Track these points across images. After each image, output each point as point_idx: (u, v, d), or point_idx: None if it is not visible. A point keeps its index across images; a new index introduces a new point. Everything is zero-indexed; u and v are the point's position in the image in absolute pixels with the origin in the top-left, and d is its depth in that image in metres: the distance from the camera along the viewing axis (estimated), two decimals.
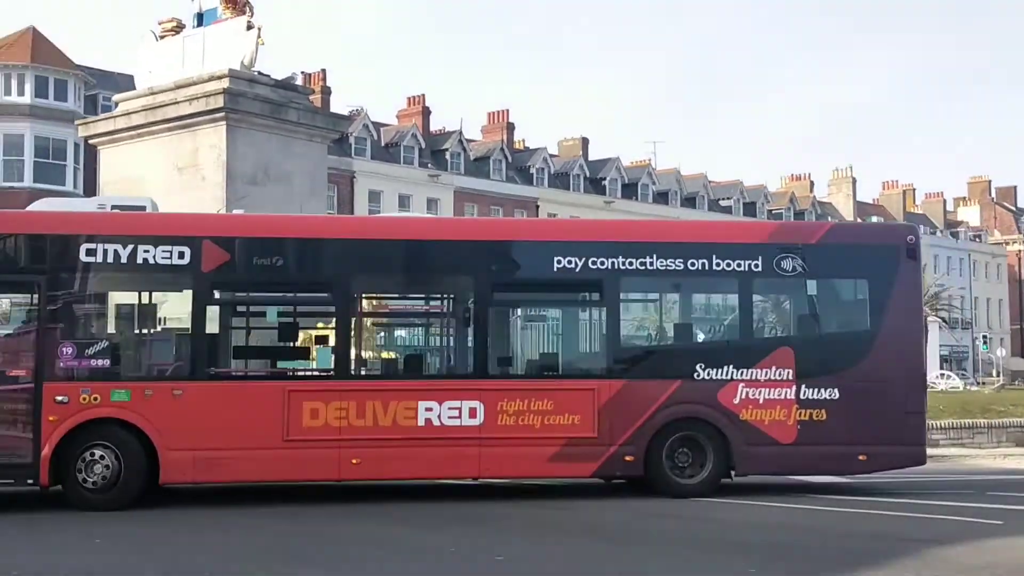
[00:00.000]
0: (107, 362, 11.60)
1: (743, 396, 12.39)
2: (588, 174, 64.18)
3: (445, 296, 12.81)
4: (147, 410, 11.49)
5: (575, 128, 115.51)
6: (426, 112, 58.58)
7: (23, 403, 11.28)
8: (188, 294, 11.72)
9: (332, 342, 12.15)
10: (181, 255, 11.75)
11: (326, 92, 52.69)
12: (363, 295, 12.37)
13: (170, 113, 20.28)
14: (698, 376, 12.38)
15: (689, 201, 67.44)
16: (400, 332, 13.28)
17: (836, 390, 12.38)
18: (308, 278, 12.28)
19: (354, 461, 11.73)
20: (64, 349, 11.48)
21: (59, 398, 11.39)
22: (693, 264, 12.49)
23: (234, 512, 11.31)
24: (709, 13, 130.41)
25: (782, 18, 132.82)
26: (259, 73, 20.72)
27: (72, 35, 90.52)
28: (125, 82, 43.70)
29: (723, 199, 69.94)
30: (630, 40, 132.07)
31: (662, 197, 67.26)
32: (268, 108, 20.31)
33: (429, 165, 56.20)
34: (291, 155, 20.71)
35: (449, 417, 11.89)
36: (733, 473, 12.49)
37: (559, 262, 12.28)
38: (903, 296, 12.68)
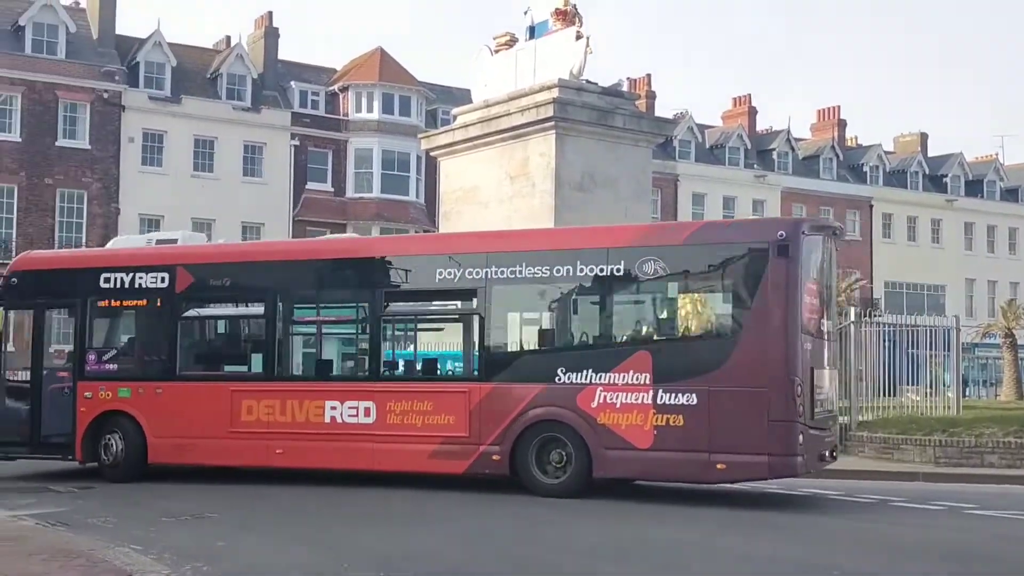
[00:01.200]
0: (115, 366, 14.79)
1: (601, 400, 12.46)
2: (927, 171, 60.15)
3: (349, 307, 14.32)
4: (140, 405, 14.50)
5: (911, 124, 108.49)
6: (752, 112, 57.44)
7: (68, 398, 14.73)
8: (167, 309, 14.62)
9: (263, 349, 14.20)
10: (163, 279, 14.71)
11: (651, 96, 53.10)
12: (285, 308, 14.24)
13: (503, 124, 21.17)
14: (559, 380, 12.63)
15: None
16: (315, 340, 14.51)
17: (694, 395, 12.04)
18: (245, 295, 14.81)
19: (278, 451, 13.73)
20: (89, 356, 14.83)
21: (86, 394, 14.66)
22: (559, 271, 12.90)
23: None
24: None
25: None
26: (587, 81, 21.22)
27: (414, 53, 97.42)
28: (462, 96, 46.40)
29: None
30: (972, 38, 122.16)
31: (1011, 194, 61.65)
32: (595, 115, 20.73)
33: (755, 166, 55.05)
34: (616, 160, 21.01)
35: (349, 415, 13.52)
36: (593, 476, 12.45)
37: (440, 274, 13.38)
38: (771, 298, 11.94)
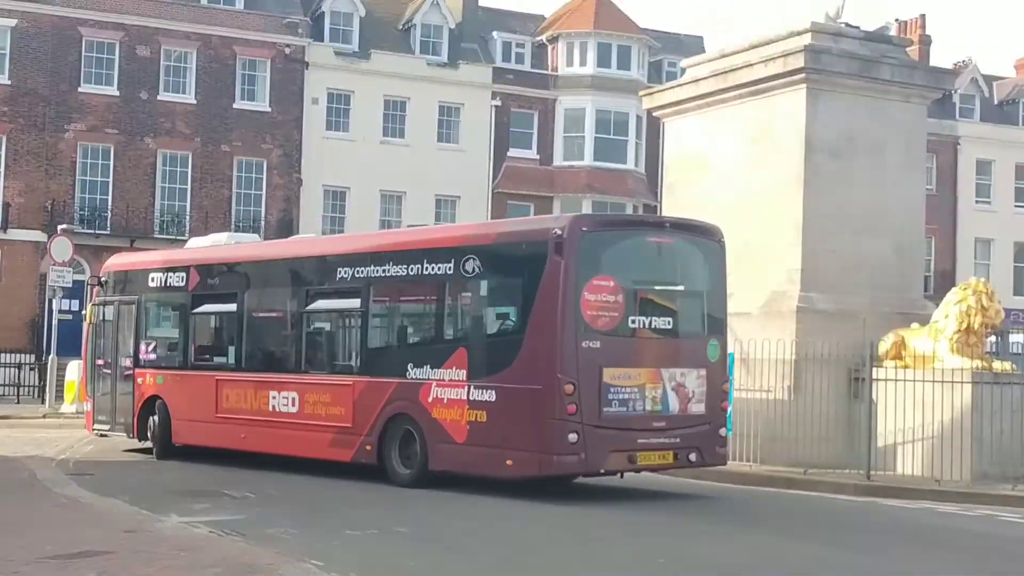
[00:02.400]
0: (154, 356, 20.12)
1: (435, 395, 15.23)
2: None
3: (288, 304, 18.10)
4: (167, 390, 19.52)
5: None
6: None
7: (130, 383, 20.18)
8: (184, 306, 19.58)
9: (234, 343, 18.85)
10: (182, 279, 19.68)
11: (925, 42, 50.77)
12: (247, 306, 18.63)
13: (742, 78, 20.64)
14: (409, 376, 15.61)
15: None
16: (269, 334, 18.93)
17: (493, 392, 14.57)
18: (225, 294, 19.11)
19: (242, 435, 17.94)
20: (141, 347, 20.20)
21: (139, 380, 20.08)
22: (413, 270, 15.98)
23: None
24: None
25: None
26: (846, 25, 20.39)
27: None
28: (692, 45, 45.77)
29: None
30: None
31: None
32: (855, 66, 19.90)
33: None
34: (882, 120, 20.14)
35: (283, 405, 17.39)
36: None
37: (339, 273, 17.05)
38: (546, 296, 14.23)
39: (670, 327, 15.21)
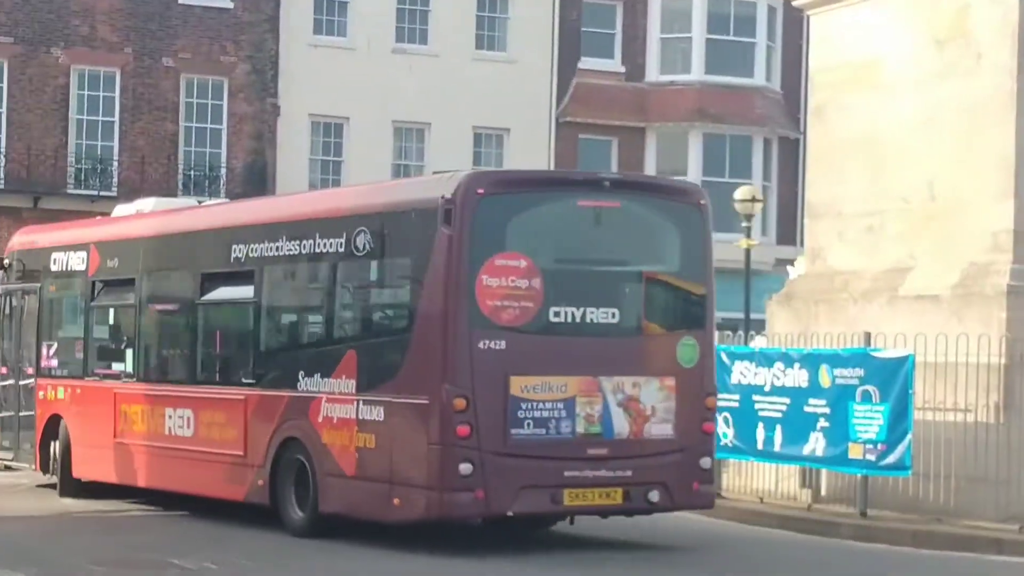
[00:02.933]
0: (55, 362, 21.67)
1: (325, 413, 15.97)
2: None
3: (182, 294, 19.33)
4: (66, 407, 21.08)
5: None
6: None
7: (32, 397, 21.58)
8: (85, 295, 21.33)
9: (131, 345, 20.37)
10: (82, 261, 21.32)
11: None
12: (144, 295, 19.89)
13: None
14: (300, 387, 16.39)
15: None
16: (164, 333, 20.18)
17: (382, 409, 15.22)
18: (123, 280, 20.53)
19: (138, 467, 19.57)
20: (42, 349, 21.84)
21: (40, 393, 21.58)
22: (304, 248, 16.65)
23: None
24: None
25: None
26: None
27: None
28: None
29: None
30: None
31: None
32: None
33: None
34: None
35: (178, 426, 18.53)
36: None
37: (233, 253, 17.77)
38: (434, 282, 14.84)
39: (615, 321, 15.54)
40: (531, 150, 43.14)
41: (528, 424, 14.78)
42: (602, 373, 15.20)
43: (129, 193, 38.81)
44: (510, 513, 15.00)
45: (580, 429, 15.06)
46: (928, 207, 19.91)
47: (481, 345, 14.63)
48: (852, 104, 21.64)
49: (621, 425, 15.25)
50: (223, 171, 40.51)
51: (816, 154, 23.11)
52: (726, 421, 20.69)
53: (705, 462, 15.92)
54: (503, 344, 14.70)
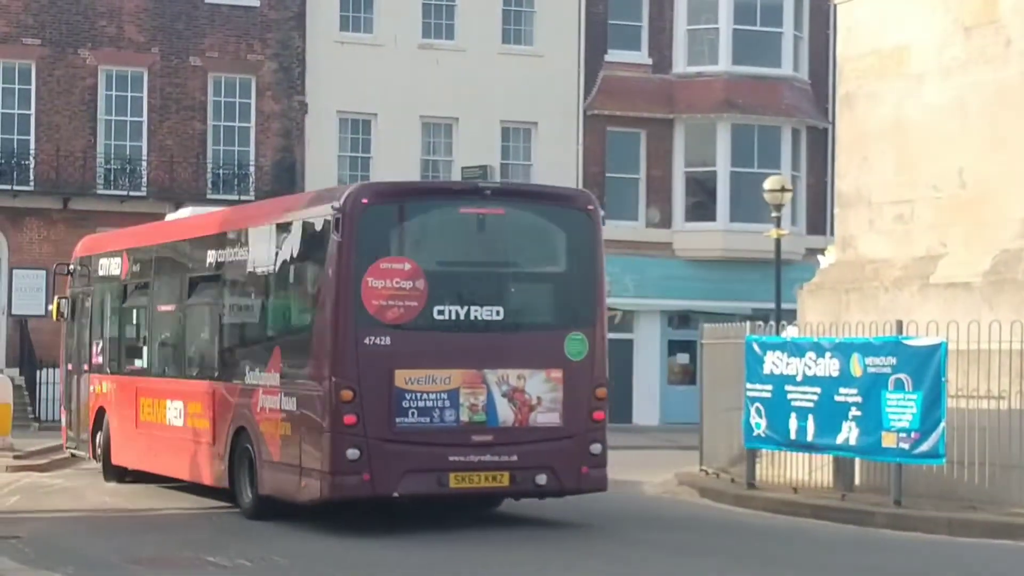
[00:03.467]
0: (101, 359, 24.22)
1: (261, 403, 17.98)
2: None
3: (177, 295, 21.44)
4: (108, 399, 23.68)
5: None
6: None
7: (88, 391, 24.61)
8: (120, 297, 23.97)
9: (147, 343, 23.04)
10: (118, 265, 23.89)
11: None
12: (154, 296, 22.47)
13: None
14: (247, 380, 18.54)
15: None
16: (167, 330, 22.30)
17: (294, 400, 17.33)
18: (143, 283, 23.30)
19: (153, 453, 22.03)
20: (92, 347, 24.70)
21: (92, 387, 24.33)
22: (242, 255, 19.35)
23: None
24: None
25: None
26: None
27: None
28: None
29: None
30: None
31: None
32: None
33: None
34: None
35: (173, 416, 20.87)
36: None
37: (207, 259, 20.27)
38: (325, 283, 16.99)
39: (499, 318, 17.19)
40: (559, 143, 43.11)
41: (412, 413, 16.58)
42: (486, 366, 16.86)
43: (158, 193, 39.13)
44: (396, 495, 16.67)
45: (464, 418, 16.77)
46: (958, 194, 19.90)
47: (367, 341, 16.48)
48: (880, 92, 21.65)
49: (506, 414, 16.92)
50: (252, 169, 40.55)
51: (845, 143, 23.10)
52: (758, 412, 20.72)
53: (595, 448, 17.30)
54: (388, 340, 16.54)
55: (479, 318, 17.01)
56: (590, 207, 17.85)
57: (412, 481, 16.55)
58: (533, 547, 16.05)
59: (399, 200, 17.61)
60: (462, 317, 16.93)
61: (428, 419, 16.63)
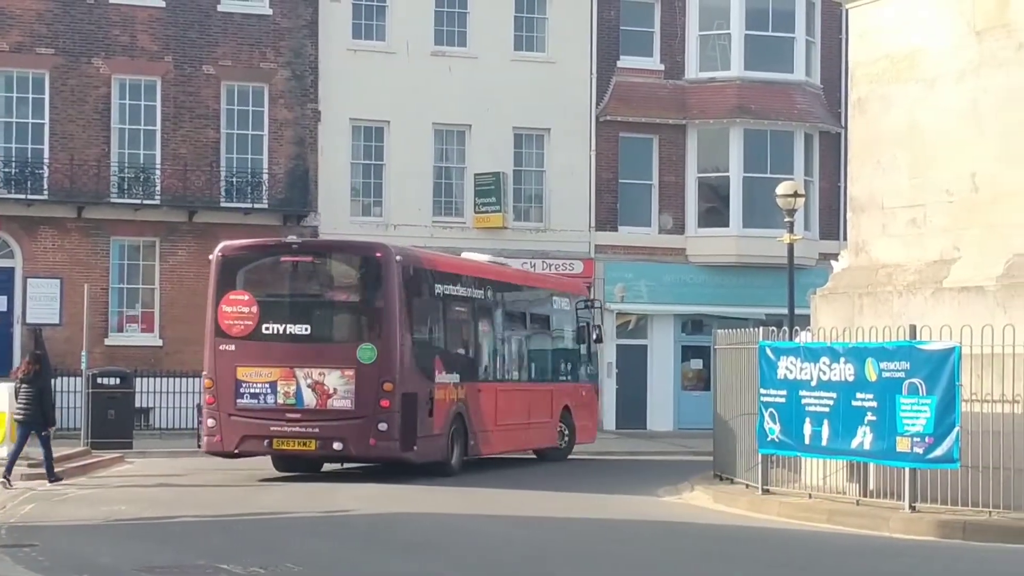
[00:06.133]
0: None
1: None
2: None
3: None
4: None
5: None
6: None
7: None
8: None
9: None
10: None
11: None
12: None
13: None
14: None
15: None
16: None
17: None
18: None
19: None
20: None
21: None
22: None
23: None
24: None
25: None
26: None
27: None
28: None
29: None
30: None
31: None
32: None
33: None
34: None
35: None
36: None
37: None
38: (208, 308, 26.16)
39: (307, 333, 25.02)
40: (572, 150, 43.13)
41: (247, 397, 24.86)
42: (296, 366, 24.64)
43: (172, 201, 39.21)
44: (236, 451, 25.15)
45: (280, 401, 24.69)
46: (971, 198, 19.88)
47: (221, 348, 25.17)
48: (892, 97, 21.63)
49: (310, 399, 24.58)
50: (265, 177, 40.61)
51: (857, 148, 23.09)
52: (772, 417, 20.73)
53: (382, 426, 24.28)
54: (233, 347, 25.05)
55: (292, 332, 24.93)
56: (378, 254, 25.05)
57: (247, 444, 24.99)
58: (538, 551, 16.05)
59: (241, 252, 26.27)
60: (281, 332, 24.95)
61: (256, 401, 24.77)
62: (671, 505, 22.41)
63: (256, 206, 39.77)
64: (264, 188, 40.20)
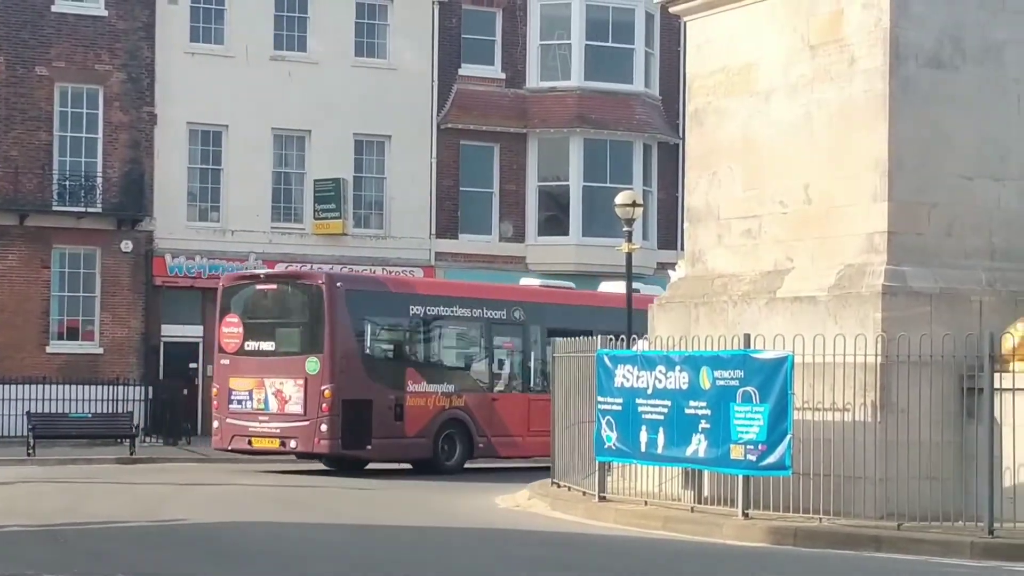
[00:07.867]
0: None
1: None
2: None
3: None
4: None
5: None
6: None
7: None
8: None
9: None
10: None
11: None
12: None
13: None
14: None
15: None
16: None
17: None
18: None
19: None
20: None
21: None
22: None
23: None
24: None
25: None
26: None
27: None
28: None
29: None
30: None
31: None
32: None
33: None
34: (1002, 16, 20.35)
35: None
36: None
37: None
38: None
39: (273, 348, 29.73)
40: (413, 157, 43.17)
41: (236, 402, 29.75)
42: (265, 376, 29.42)
43: (2, 204, 38.53)
44: (229, 448, 30.31)
45: (256, 406, 29.46)
46: (804, 210, 20.20)
47: (222, 362, 30.38)
48: (728, 109, 21.85)
49: (273, 405, 29.25)
50: (99, 180, 40.07)
51: (694, 159, 23.31)
52: (609, 424, 20.89)
53: (323, 427, 28.53)
54: (228, 361, 30.16)
55: (264, 348, 29.79)
56: (321, 283, 29.58)
57: (236, 441, 29.90)
58: (365, 559, 16.11)
59: (234, 284, 31.58)
60: (259, 349, 29.81)
61: (241, 405, 29.67)
62: (507, 512, 22.50)
63: (89, 210, 39.25)
64: (98, 192, 39.69)
